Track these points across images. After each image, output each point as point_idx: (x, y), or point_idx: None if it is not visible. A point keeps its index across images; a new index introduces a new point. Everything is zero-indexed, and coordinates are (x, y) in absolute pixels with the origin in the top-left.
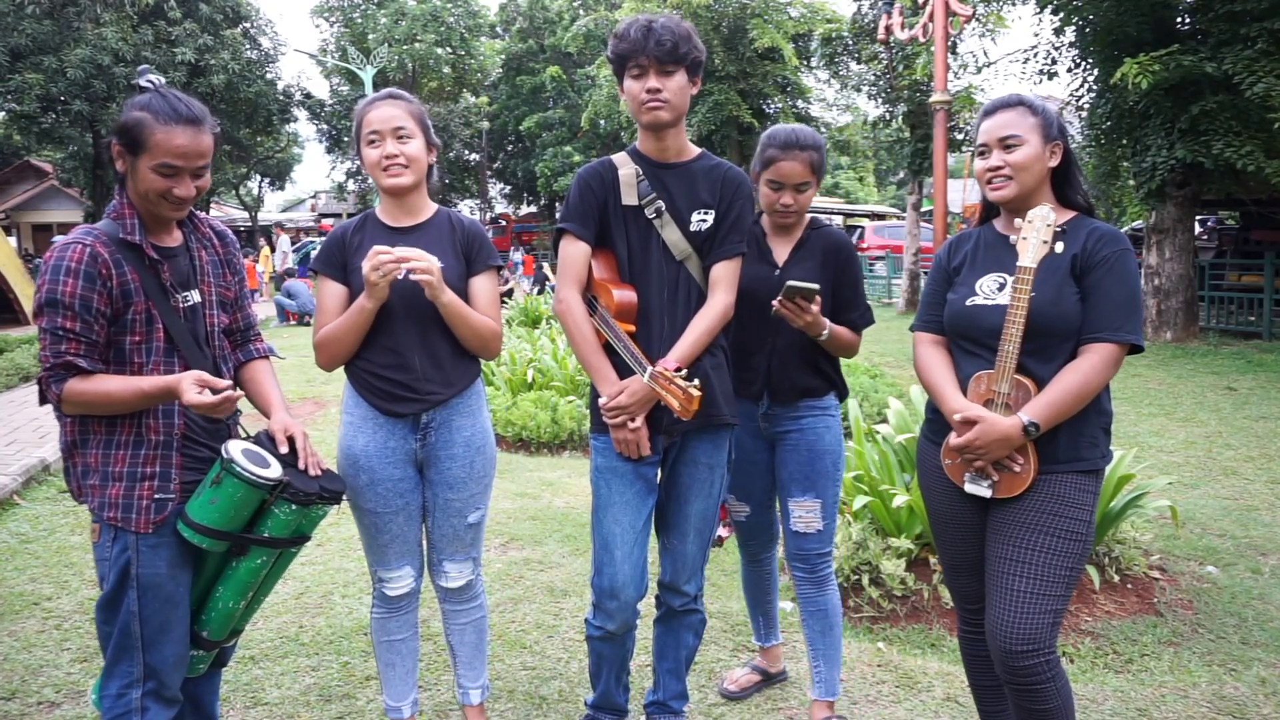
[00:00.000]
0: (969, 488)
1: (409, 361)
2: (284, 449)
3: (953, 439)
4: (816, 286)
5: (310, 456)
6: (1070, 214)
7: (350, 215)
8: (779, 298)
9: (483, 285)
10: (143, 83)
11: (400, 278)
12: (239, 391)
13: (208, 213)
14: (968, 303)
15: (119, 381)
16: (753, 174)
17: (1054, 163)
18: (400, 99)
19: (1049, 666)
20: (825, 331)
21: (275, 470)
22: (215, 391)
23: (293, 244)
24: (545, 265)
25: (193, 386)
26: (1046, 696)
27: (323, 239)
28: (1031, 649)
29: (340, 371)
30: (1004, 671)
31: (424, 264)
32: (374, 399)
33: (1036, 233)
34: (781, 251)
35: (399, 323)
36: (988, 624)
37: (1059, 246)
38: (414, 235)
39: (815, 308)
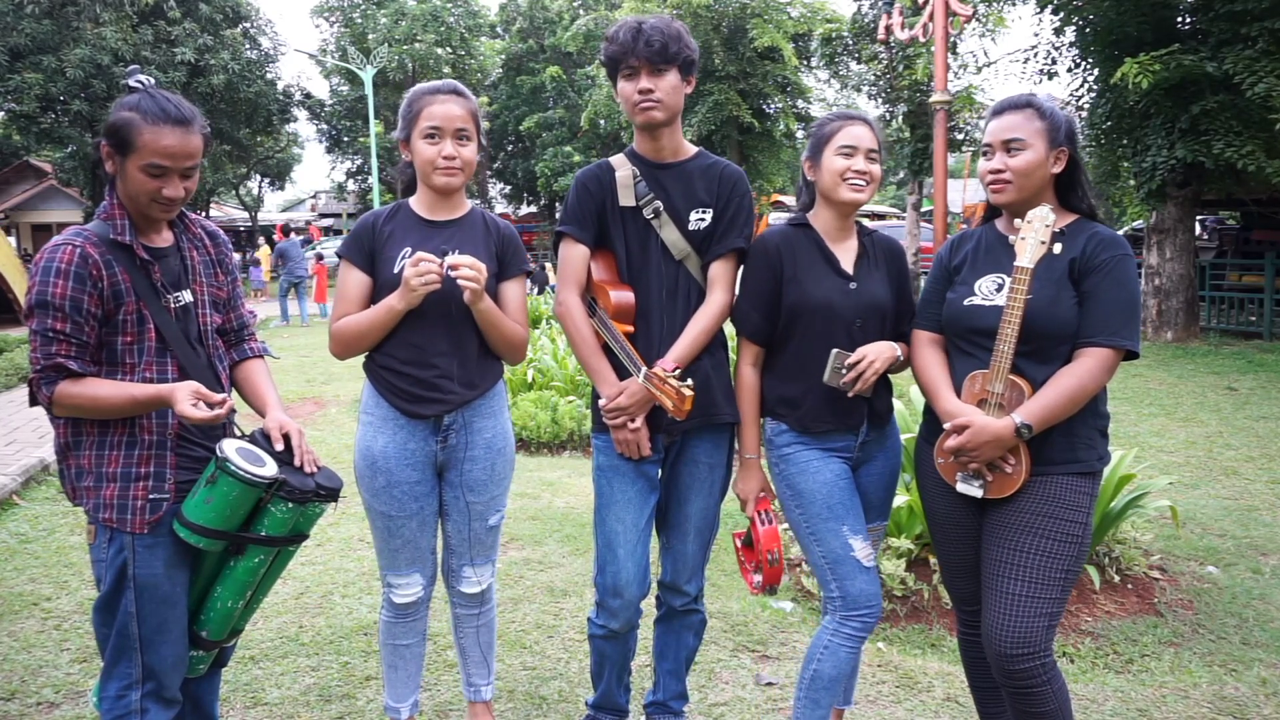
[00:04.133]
0: (961, 487)
1: (435, 361)
2: (279, 447)
3: (947, 441)
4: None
5: (306, 454)
6: (1072, 217)
7: (350, 215)
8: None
9: (513, 291)
10: (132, 83)
11: (442, 284)
12: (230, 404)
13: (207, 213)
14: (965, 302)
15: (111, 387)
16: (805, 162)
17: (1057, 169)
18: (464, 95)
19: (1045, 669)
20: (900, 355)
21: (271, 468)
22: (210, 405)
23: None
24: (547, 266)
25: (188, 398)
26: (1043, 699)
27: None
28: (1026, 652)
29: (340, 372)
30: (999, 675)
31: (474, 272)
32: (396, 400)
33: (1035, 233)
34: (845, 260)
35: (428, 321)
36: (983, 627)
37: (1057, 248)
38: (449, 230)
39: (883, 351)
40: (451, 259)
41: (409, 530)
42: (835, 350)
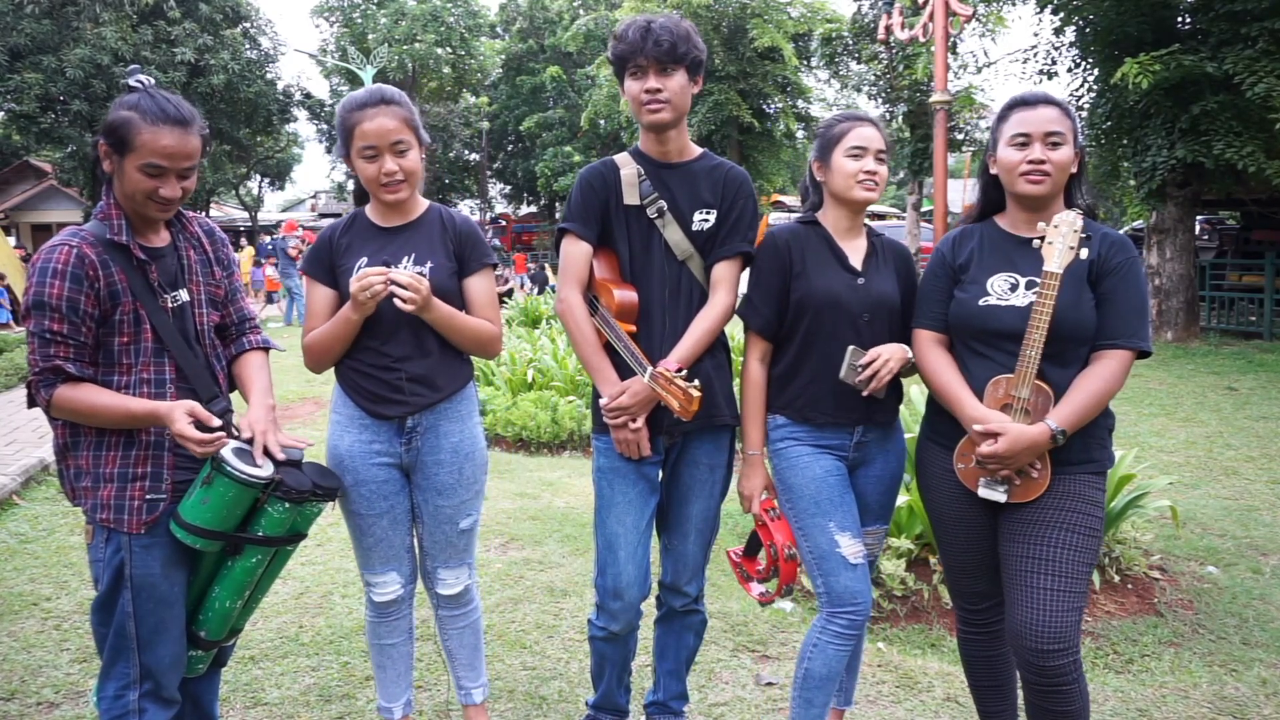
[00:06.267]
0: (983, 493)
1: (397, 365)
2: (246, 434)
3: (982, 448)
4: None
5: (260, 448)
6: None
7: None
8: (864, 384)
9: (479, 286)
10: (132, 82)
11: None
12: (225, 440)
13: (207, 213)
14: (980, 303)
15: (109, 398)
16: (814, 163)
17: (1073, 168)
18: (391, 103)
19: (1075, 666)
20: (911, 359)
21: (267, 469)
22: (206, 428)
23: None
24: (547, 265)
25: (184, 417)
26: (1070, 697)
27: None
28: (1061, 648)
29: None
30: (1031, 673)
31: (410, 294)
32: (360, 400)
33: (1063, 238)
34: (854, 257)
35: (388, 326)
36: (1012, 625)
37: (1084, 253)
38: (404, 235)
39: (895, 354)
40: (392, 274)
41: (379, 529)
42: (852, 347)
